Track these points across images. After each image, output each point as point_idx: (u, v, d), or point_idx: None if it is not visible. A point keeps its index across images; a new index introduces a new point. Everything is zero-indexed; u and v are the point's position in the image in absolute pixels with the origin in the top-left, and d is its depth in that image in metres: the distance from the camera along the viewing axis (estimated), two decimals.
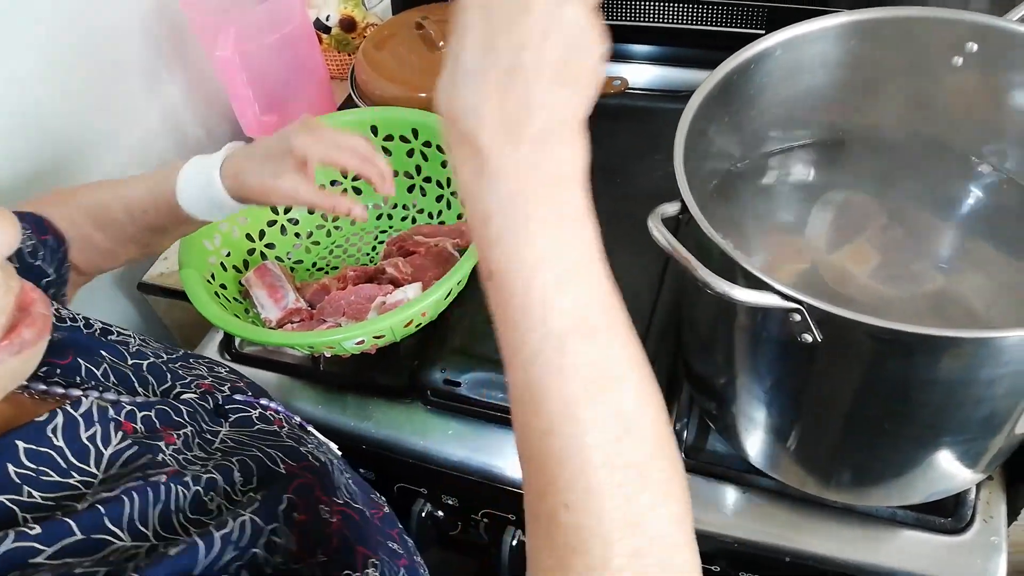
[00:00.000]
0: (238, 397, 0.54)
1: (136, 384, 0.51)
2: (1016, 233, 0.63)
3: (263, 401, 0.56)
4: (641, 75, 1.03)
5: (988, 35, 0.60)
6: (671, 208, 0.54)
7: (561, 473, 0.33)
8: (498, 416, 0.75)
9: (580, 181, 0.36)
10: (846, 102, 0.68)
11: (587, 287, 0.34)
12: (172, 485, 0.40)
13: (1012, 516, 0.66)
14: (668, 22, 0.99)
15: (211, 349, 0.87)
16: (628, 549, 0.33)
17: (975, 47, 0.61)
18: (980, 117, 0.65)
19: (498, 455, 0.74)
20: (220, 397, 0.53)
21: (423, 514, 0.80)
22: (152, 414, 0.46)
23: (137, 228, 0.68)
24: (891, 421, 0.53)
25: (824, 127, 0.70)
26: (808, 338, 0.48)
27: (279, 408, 0.58)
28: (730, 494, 0.68)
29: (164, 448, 0.44)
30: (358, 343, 0.72)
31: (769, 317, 0.51)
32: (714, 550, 0.68)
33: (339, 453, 0.66)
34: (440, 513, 0.81)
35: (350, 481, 0.57)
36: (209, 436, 0.48)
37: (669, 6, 0.98)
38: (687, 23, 0.98)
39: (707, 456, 0.71)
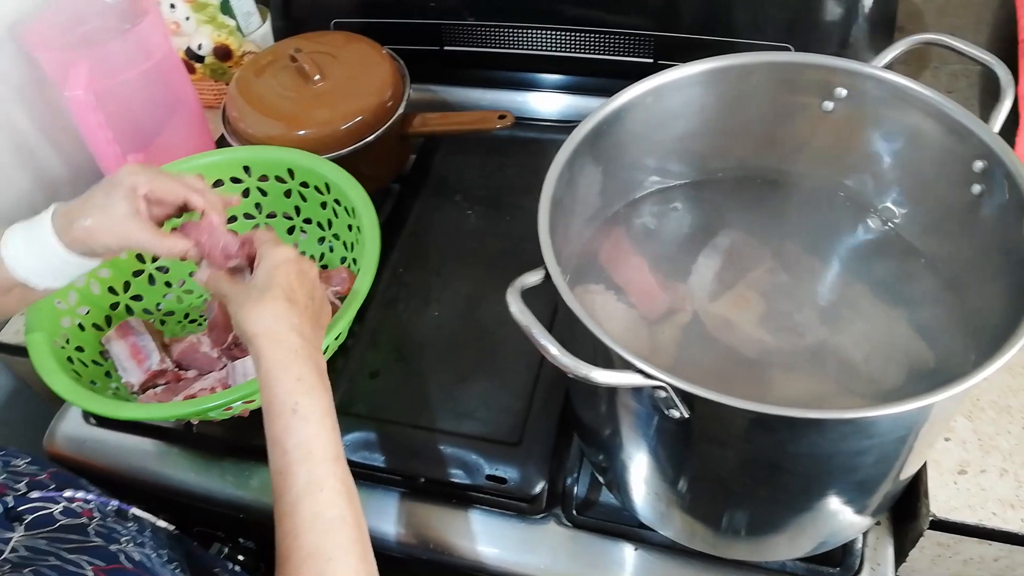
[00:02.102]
0: (35, 495, 0.50)
1: None
2: (892, 278, 0.63)
3: (68, 493, 0.52)
4: (531, 105, 1.01)
5: (856, 81, 0.59)
6: (533, 277, 0.51)
7: (327, 542, 0.49)
8: (381, 478, 0.71)
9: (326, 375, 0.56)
10: (723, 146, 0.66)
11: (339, 433, 0.54)
12: None
13: (900, 559, 0.66)
14: (555, 50, 0.96)
15: (75, 414, 0.80)
16: None
17: (844, 92, 0.60)
18: (851, 161, 0.64)
19: (383, 519, 0.70)
20: (12, 498, 0.48)
21: None
22: None
23: None
24: (766, 488, 0.52)
25: (702, 171, 0.68)
26: (676, 413, 0.46)
27: (89, 497, 0.53)
28: (622, 551, 0.66)
29: None
30: (226, 410, 0.67)
31: (640, 390, 0.49)
32: None
33: (171, 528, 0.62)
34: None
35: (177, 570, 0.53)
36: None
37: (556, 35, 0.95)
38: (574, 51, 0.96)
39: (598, 511, 0.68)
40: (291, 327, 0.54)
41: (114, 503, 0.58)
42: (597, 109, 0.59)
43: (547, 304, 0.50)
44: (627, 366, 0.45)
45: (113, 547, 0.48)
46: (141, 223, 0.59)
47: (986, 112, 0.57)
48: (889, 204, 0.64)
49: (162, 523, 0.62)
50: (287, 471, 0.50)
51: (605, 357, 0.47)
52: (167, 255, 0.61)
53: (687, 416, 0.46)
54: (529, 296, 0.51)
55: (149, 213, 0.60)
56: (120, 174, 0.59)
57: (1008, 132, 0.64)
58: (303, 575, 0.47)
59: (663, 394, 0.45)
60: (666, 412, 0.47)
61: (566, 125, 0.98)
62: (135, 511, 0.60)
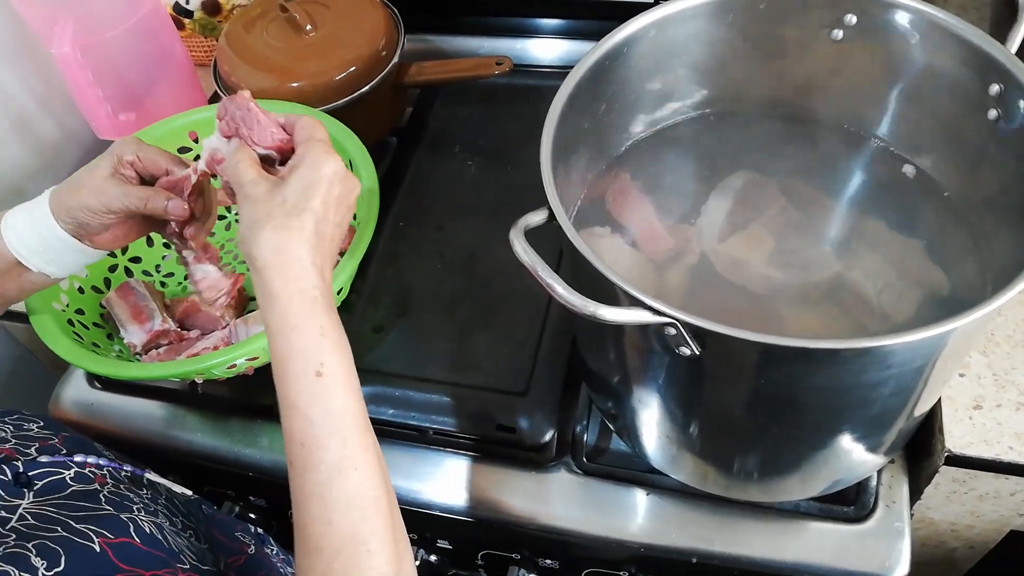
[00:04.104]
0: (44, 459, 0.48)
1: None
2: (904, 210, 0.61)
3: (79, 458, 0.51)
4: (529, 51, 0.98)
5: (867, 6, 0.57)
6: (537, 217, 0.49)
7: (364, 527, 0.43)
8: (390, 431, 0.71)
9: None
10: (730, 81, 0.64)
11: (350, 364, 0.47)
12: None
13: (914, 496, 0.65)
14: None
15: (79, 378, 0.80)
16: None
17: (854, 19, 0.58)
18: (864, 91, 0.62)
19: (394, 472, 0.70)
20: (22, 463, 0.47)
21: None
22: None
23: None
24: (779, 426, 0.51)
25: (707, 106, 0.66)
26: (686, 351, 0.45)
27: (102, 462, 0.52)
28: (634, 496, 0.66)
29: None
30: (231, 367, 0.66)
31: (648, 329, 0.48)
32: (620, 556, 0.65)
33: (190, 494, 0.61)
34: None
35: (192, 538, 0.52)
36: (4, 514, 0.42)
37: None
38: None
39: (609, 458, 0.68)
40: (313, 265, 0.45)
41: (127, 468, 0.57)
42: (599, 43, 0.57)
43: (550, 254, 0.49)
44: (635, 303, 0.44)
45: (124, 515, 0.47)
46: (121, 179, 0.56)
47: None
48: (902, 133, 0.62)
49: (178, 488, 0.61)
50: (314, 445, 0.43)
51: (612, 296, 0.46)
52: (138, 207, 0.56)
53: (698, 353, 0.45)
54: (532, 244, 0.49)
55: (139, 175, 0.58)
56: (113, 145, 0.58)
57: None
58: (338, 566, 0.42)
59: (673, 331, 0.44)
60: (676, 351, 0.45)
61: (565, 71, 0.95)
62: (149, 476, 0.60)
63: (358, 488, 0.43)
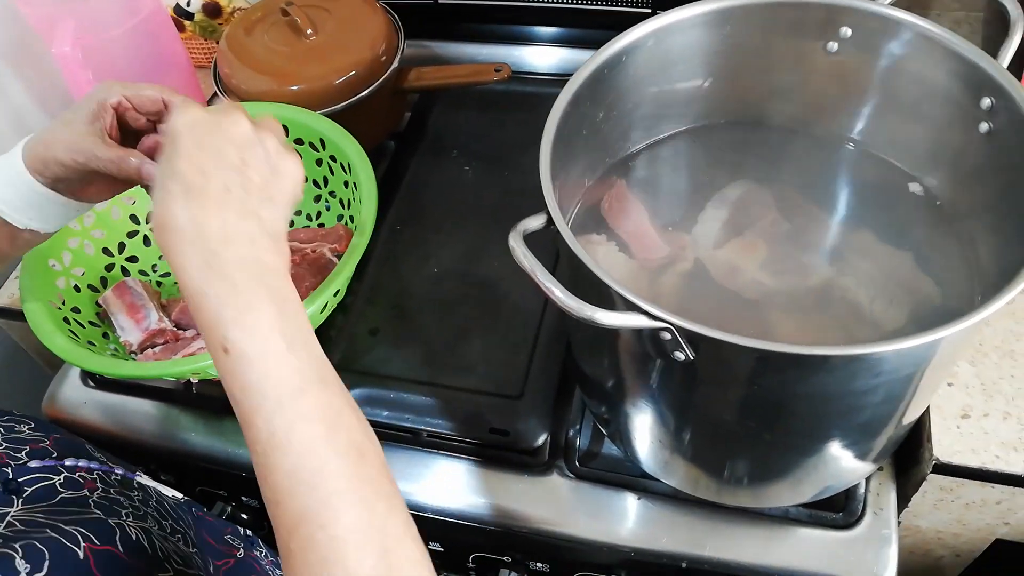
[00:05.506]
0: (34, 464, 0.48)
1: None
2: (896, 220, 0.62)
3: (70, 462, 0.50)
4: (527, 59, 0.99)
5: (862, 19, 0.58)
6: (535, 222, 0.50)
7: (311, 502, 0.38)
8: (384, 433, 0.71)
9: (285, 275, 0.43)
10: (726, 92, 0.65)
11: (310, 349, 0.42)
12: None
13: (902, 504, 0.66)
14: (551, 1, 0.94)
15: (74, 376, 0.80)
16: (377, 550, 0.38)
17: (849, 32, 0.59)
18: (858, 103, 0.63)
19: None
20: (12, 469, 0.46)
21: None
22: None
23: None
24: (771, 432, 0.52)
25: (703, 116, 0.67)
26: (680, 356, 0.46)
27: (92, 466, 0.52)
28: (625, 501, 0.66)
29: None
30: None
31: (643, 333, 0.48)
32: (610, 560, 0.66)
33: (180, 497, 0.61)
34: None
35: (180, 543, 0.51)
36: None
37: None
38: (571, 1, 0.94)
39: (601, 462, 0.69)
40: (199, 232, 0.40)
41: (118, 471, 0.57)
42: (598, 51, 0.57)
43: (545, 257, 0.49)
44: (631, 307, 0.45)
45: (112, 520, 0.46)
46: (96, 134, 0.52)
47: None
48: (895, 146, 0.63)
49: (168, 491, 0.61)
50: (245, 423, 0.40)
51: (609, 301, 0.47)
52: (111, 170, 0.52)
53: (692, 358, 0.46)
54: (529, 248, 0.49)
55: (130, 120, 0.54)
56: (93, 89, 0.53)
57: (1016, 71, 0.63)
58: (296, 547, 0.38)
59: (668, 336, 0.45)
60: (671, 355, 0.46)
61: (563, 78, 0.96)
62: (140, 479, 0.59)
63: (294, 462, 0.39)
